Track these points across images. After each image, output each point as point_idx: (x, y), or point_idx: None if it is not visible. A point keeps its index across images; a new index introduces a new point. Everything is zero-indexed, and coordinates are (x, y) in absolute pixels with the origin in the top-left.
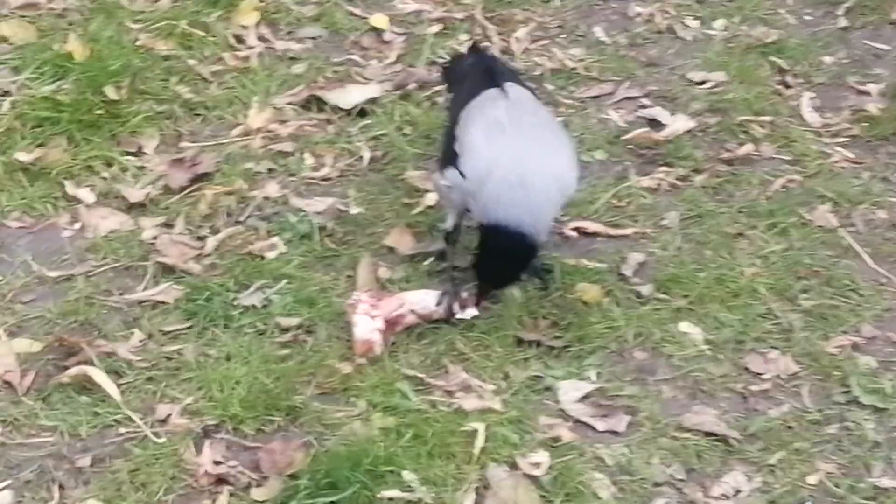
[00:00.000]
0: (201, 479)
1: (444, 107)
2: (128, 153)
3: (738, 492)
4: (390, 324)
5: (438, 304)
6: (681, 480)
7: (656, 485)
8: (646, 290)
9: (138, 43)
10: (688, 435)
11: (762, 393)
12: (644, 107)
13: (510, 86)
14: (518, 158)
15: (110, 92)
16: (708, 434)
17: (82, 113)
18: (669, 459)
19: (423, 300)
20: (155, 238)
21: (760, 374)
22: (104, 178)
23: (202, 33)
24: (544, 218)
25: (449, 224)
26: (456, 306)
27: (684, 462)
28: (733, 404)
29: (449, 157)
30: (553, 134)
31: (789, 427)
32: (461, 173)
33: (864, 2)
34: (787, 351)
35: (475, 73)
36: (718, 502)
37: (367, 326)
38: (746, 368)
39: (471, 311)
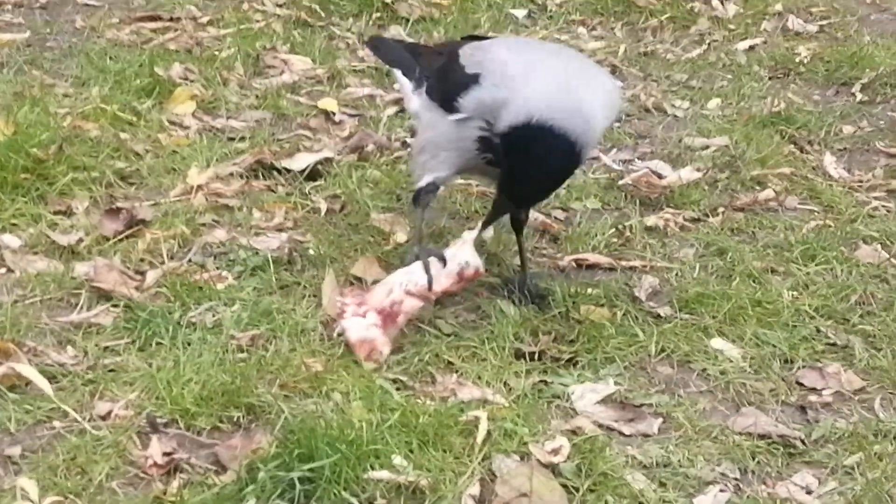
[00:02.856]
0: (150, 470)
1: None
2: (57, 212)
3: (809, 492)
4: (387, 316)
5: (427, 275)
6: (735, 479)
7: (705, 482)
8: (664, 311)
9: (65, 124)
10: (737, 437)
11: (824, 405)
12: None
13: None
14: (559, 68)
15: (37, 152)
16: (763, 437)
17: (7, 173)
18: (718, 459)
19: (411, 277)
20: (88, 274)
21: (818, 389)
22: (31, 233)
23: (133, 118)
24: (592, 126)
25: (430, 179)
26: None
27: (737, 462)
28: (789, 414)
29: (457, 88)
30: (583, 57)
31: (863, 436)
32: (493, 85)
33: (880, 79)
34: (849, 368)
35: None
36: (787, 501)
37: (359, 326)
38: (800, 383)
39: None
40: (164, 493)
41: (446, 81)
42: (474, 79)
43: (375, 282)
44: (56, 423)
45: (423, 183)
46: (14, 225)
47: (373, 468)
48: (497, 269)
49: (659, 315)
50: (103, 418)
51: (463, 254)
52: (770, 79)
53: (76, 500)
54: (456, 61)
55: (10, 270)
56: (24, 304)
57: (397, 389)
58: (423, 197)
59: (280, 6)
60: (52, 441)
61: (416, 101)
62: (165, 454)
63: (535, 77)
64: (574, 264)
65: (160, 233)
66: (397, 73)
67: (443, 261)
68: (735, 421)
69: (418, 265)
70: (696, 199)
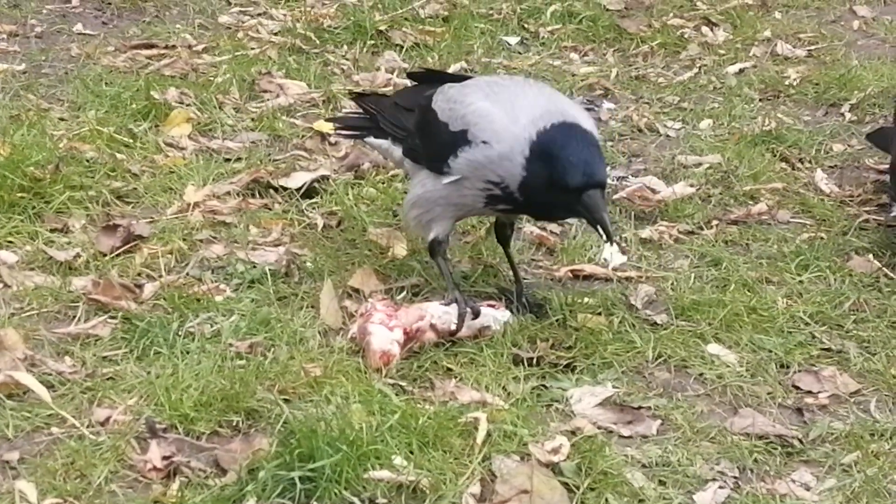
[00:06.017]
0: (149, 473)
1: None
2: (54, 230)
3: (808, 488)
4: (409, 338)
5: (458, 322)
6: (734, 477)
7: (704, 480)
8: (661, 318)
9: (61, 145)
10: (736, 438)
11: (820, 407)
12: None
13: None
14: (547, 101)
15: (33, 171)
16: (760, 437)
17: (2, 192)
18: (717, 458)
19: (445, 314)
20: (85, 287)
21: (814, 392)
22: (28, 250)
23: (129, 140)
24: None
25: (437, 233)
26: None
27: (736, 461)
28: (787, 416)
29: (444, 150)
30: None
31: (860, 436)
32: (484, 142)
33: (869, 100)
34: (844, 371)
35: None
36: (785, 497)
37: (385, 337)
38: (796, 386)
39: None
40: (164, 495)
41: (430, 142)
42: (462, 137)
43: (373, 293)
44: (54, 429)
45: (431, 237)
46: (10, 242)
47: (373, 468)
48: (494, 280)
49: (655, 322)
50: (102, 424)
51: (494, 316)
52: (760, 100)
53: (75, 503)
54: (434, 118)
55: (6, 285)
56: (20, 317)
57: (396, 394)
58: (437, 248)
59: (275, 34)
60: (50, 446)
61: (398, 152)
62: (165, 458)
63: (522, 109)
64: (570, 275)
65: (157, 248)
66: (370, 139)
67: (476, 315)
68: (733, 422)
69: (454, 309)
70: (690, 213)
